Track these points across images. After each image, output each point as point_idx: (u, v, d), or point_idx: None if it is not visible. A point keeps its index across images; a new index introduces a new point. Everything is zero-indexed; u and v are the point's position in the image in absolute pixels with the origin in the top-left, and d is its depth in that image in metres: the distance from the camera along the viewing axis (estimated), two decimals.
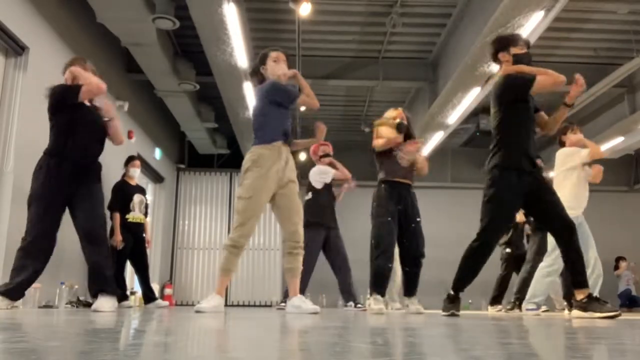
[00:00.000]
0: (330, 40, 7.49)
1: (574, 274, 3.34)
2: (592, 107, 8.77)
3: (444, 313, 3.54)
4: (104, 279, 3.56)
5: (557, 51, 7.60)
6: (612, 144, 9.08)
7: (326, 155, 6.01)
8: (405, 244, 4.27)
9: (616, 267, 9.91)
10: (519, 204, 3.48)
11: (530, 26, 5.48)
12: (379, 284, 4.10)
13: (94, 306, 3.49)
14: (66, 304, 5.11)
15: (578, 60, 7.80)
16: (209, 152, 10.37)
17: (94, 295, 3.60)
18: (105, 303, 3.48)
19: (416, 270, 4.29)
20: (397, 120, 4.28)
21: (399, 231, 4.22)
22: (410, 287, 4.34)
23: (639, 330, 2.14)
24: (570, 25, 6.94)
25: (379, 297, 4.07)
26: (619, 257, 9.95)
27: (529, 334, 1.91)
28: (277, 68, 3.69)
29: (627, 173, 11.61)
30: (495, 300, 6.75)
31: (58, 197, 3.53)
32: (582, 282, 3.32)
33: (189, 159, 10.79)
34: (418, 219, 4.30)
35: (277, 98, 3.63)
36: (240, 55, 6.21)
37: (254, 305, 10.11)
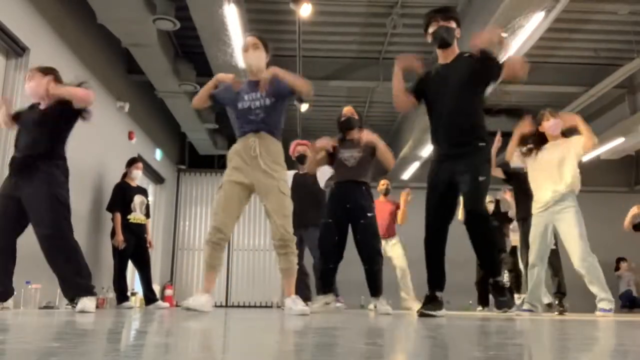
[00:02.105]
0: (330, 41, 7.49)
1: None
2: (592, 107, 8.76)
3: (433, 313, 3.46)
4: (76, 286, 3.43)
5: (557, 52, 7.60)
6: (613, 145, 9.08)
7: (302, 157, 5.84)
8: (358, 240, 4.38)
9: (617, 268, 9.90)
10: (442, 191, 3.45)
11: (531, 27, 5.48)
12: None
13: (78, 307, 3.33)
14: (67, 304, 5.10)
15: (578, 60, 7.80)
16: (210, 152, 10.37)
17: (71, 300, 3.48)
18: (88, 303, 3.35)
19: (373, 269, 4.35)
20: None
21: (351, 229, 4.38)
22: (371, 287, 4.35)
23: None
24: (570, 26, 6.94)
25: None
26: (619, 258, 9.94)
27: (524, 335, 1.91)
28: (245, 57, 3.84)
29: (628, 174, 11.60)
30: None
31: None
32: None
33: (190, 160, 10.79)
34: (369, 214, 4.34)
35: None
36: (241, 56, 6.21)
37: (254, 306, 10.10)
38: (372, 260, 4.30)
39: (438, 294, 3.43)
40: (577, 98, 8.08)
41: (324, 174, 5.70)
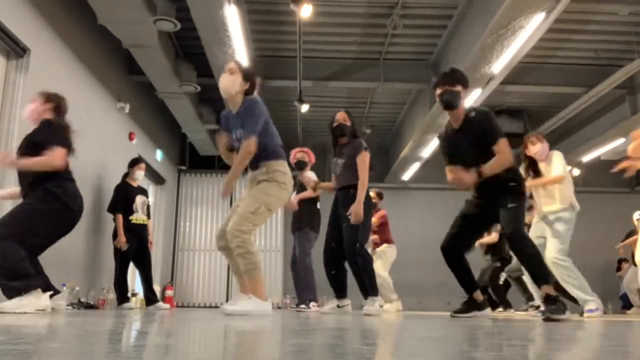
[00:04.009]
0: (331, 42, 7.50)
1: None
2: (592, 108, 8.76)
3: (468, 315, 3.70)
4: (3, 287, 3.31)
5: (558, 52, 7.60)
6: (613, 146, 9.08)
7: (301, 163, 6.00)
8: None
9: (618, 269, 9.88)
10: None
11: (531, 28, 5.48)
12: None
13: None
14: (67, 305, 5.11)
15: (579, 61, 7.80)
16: (210, 153, 10.37)
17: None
18: (13, 304, 3.20)
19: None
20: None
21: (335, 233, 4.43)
22: (359, 288, 4.39)
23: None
24: (571, 27, 6.93)
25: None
26: (621, 259, 9.91)
27: (527, 336, 1.91)
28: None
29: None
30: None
31: None
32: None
33: (190, 161, 10.79)
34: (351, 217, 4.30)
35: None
36: (241, 57, 6.22)
37: None
38: (350, 261, 4.35)
39: (475, 295, 3.70)
40: (577, 99, 8.08)
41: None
